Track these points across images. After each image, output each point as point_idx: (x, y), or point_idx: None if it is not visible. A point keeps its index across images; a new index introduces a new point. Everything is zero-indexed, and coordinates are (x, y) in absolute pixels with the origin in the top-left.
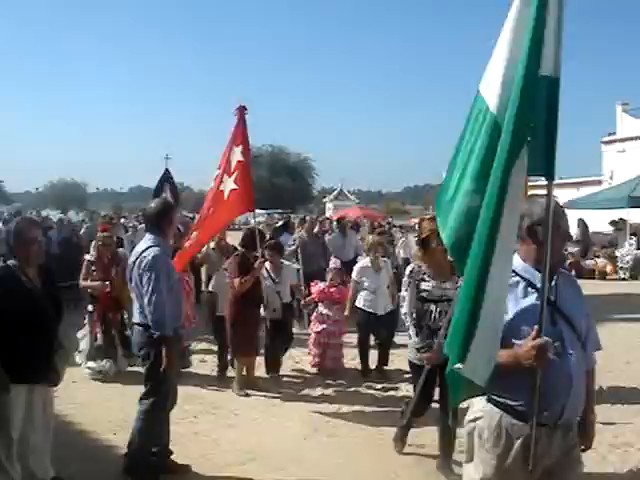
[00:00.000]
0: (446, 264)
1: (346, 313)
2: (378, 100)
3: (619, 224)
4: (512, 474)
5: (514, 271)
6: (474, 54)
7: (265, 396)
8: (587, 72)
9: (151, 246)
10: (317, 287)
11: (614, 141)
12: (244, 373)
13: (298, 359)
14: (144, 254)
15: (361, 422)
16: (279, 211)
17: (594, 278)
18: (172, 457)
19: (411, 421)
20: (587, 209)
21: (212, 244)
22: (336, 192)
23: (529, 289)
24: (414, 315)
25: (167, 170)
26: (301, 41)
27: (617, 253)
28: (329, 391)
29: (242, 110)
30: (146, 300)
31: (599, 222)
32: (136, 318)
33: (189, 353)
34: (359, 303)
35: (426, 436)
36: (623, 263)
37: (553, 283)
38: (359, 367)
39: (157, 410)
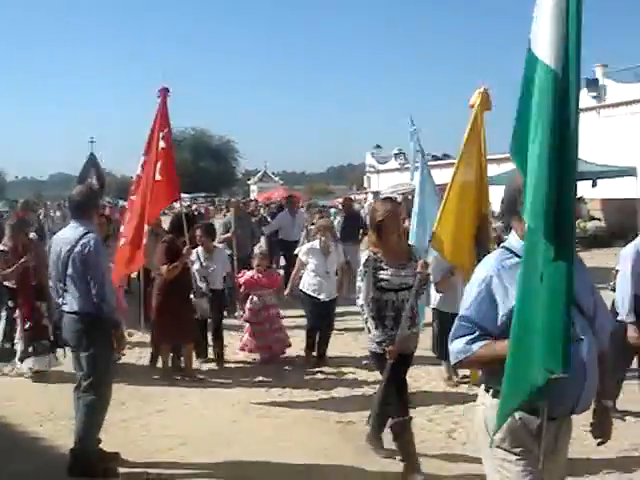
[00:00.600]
0: (403, 249)
1: (286, 292)
2: (300, 81)
3: None
4: (537, 470)
5: (512, 251)
6: (392, 39)
7: (195, 382)
8: (505, 45)
9: (87, 232)
10: (245, 276)
11: None
12: (194, 360)
13: (227, 343)
14: (83, 240)
15: (292, 404)
16: (203, 195)
17: None
18: (100, 445)
19: (384, 418)
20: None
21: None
22: (260, 174)
23: None
24: (371, 306)
25: (92, 154)
26: (219, 21)
27: None
28: (261, 375)
29: (165, 92)
30: (96, 286)
31: None
32: (72, 307)
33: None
34: (303, 286)
35: (355, 413)
36: None
37: None
38: (302, 353)
39: (104, 402)
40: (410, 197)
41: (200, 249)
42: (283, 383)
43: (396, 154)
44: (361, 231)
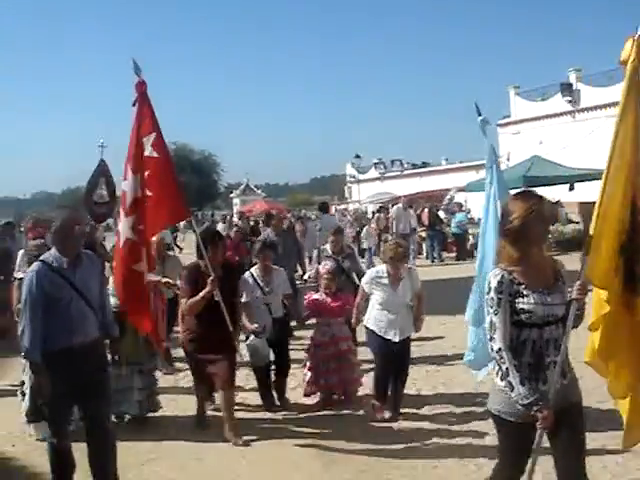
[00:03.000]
0: (548, 265)
1: (354, 324)
2: (282, 92)
3: None
4: None
5: None
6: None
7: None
8: (478, 57)
9: (37, 262)
10: (310, 297)
11: (509, 123)
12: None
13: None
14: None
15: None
16: None
17: None
18: None
19: None
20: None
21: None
22: (243, 187)
23: None
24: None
25: (102, 161)
26: (192, 31)
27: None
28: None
29: (142, 86)
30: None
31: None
32: None
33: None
34: (369, 322)
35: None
36: None
37: None
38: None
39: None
40: (391, 206)
41: (256, 270)
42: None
43: (376, 163)
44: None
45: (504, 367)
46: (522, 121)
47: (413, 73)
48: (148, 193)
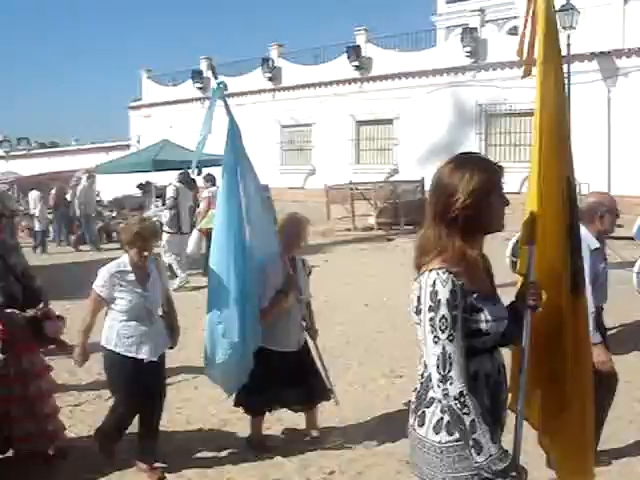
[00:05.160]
0: (483, 261)
1: (76, 354)
2: None
3: (146, 187)
4: None
5: None
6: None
7: None
8: (111, 39)
9: None
10: None
11: (140, 107)
12: None
13: None
14: None
15: None
16: None
17: None
18: None
19: None
20: (117, 173)
21: None
22: None
23: None
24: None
25: None
26: None
27: (144, 215)
28: None
29: None
30: None
31: (130, 186)
32: None
33: None
34: (109, 342)
35: None
36: None
37: None
38: None
39: None
40: (15, 187)
41: None
42: None
43: (1, 141)
44: None
45: (467, 420)
46: (153, 105)
47: (41, 50)
48: None
